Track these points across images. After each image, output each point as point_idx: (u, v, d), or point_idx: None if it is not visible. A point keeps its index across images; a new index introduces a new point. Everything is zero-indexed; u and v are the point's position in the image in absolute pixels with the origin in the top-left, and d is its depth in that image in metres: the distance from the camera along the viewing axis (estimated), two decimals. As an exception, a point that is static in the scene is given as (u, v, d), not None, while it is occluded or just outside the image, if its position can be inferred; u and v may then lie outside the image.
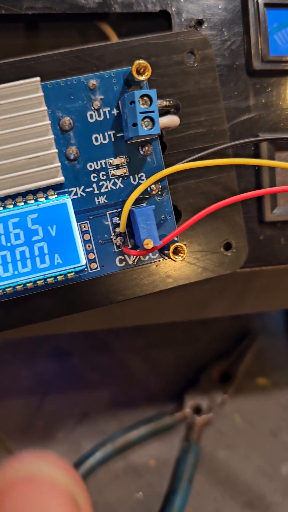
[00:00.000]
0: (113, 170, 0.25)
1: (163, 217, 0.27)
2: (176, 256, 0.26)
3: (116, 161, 0.25)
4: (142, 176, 0.26)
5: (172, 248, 0.26)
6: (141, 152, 0.26)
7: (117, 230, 0.26)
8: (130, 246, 0.26)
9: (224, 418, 0.51)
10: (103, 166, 0.25)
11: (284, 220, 0.32)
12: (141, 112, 0.23)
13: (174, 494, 0.46)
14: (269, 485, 0.48)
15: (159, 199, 0.26)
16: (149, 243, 0.24)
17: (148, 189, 0.26)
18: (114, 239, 0.26)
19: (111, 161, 0.25)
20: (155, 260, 0.27)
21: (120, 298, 0.28)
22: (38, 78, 0.24)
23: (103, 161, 0.25)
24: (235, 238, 0.29)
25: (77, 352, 0.53)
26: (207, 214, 0.26)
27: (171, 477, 0.48)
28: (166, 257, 0.27)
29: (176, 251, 0.26)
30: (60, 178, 0.24)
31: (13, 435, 0.48)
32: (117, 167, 0.26)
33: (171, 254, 0.26)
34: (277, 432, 0.51)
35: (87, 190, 0.25)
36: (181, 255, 0.26)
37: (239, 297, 0.37)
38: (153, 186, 0.26)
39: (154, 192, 0.26)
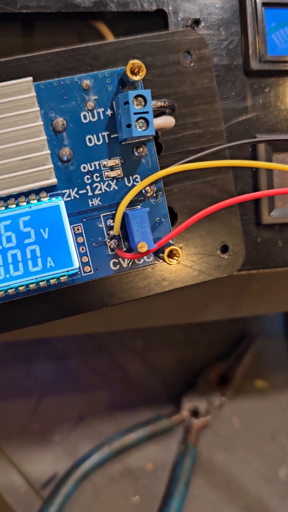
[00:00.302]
0: (107, 171, 0.25)
1: (158, 220, 0.26)
2: (171, 260, 0.25)
3: (110, 162, 0.25)
4: (136, 178, 0.25)
5: (167, 251, 0.25)
6: (136, 154, 0.25)
7: (111, 232, 0.25)
8: (124, 249, 0.26)
9: (222, 421, 0.51)
10: (97, 167, 0.25)
11: (281, 223, 0.32)
12: (135, 113, 0.23)
13: (171, 498, 0.46)
14: (267, 489, 0.48)
15: (154, 202, 0.26)
16: (143, 247, 0.24)
17: (143, 191, 0.26)
18: (108, 242, 0.25)
19: (105, 163, 0.25)
20: (150, 263, 0.27)
21: (115, 302, 0.27)
22: (30, 78, 0.23)
23: (97, 163, 0.25)
24: (232, 241, 0.29)
25: (75, 355, 0.53)
26: (203, 216, 0.26)
27: (168, 480, 0.47)
28: (161, 260, 0.27)
29: (171, 254, 0.25)
30: (53, 180, 0.24)
31: (9, 437, 0.48)
32: (111, 168, 0.25)
33: (166, 258, 0.25)
34: (275, 435, 0.50)
35: (80, 192, 0.25)
36: (176, 258, 0.25)
37: (236, 300, 0.37)
38: (148, 188, 0.26)
39: (149, 194, 0.26)
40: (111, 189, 0.25)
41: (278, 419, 0.51)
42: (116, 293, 0.27)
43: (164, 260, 0.25)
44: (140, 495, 0.47)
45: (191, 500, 0.46)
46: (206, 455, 0.49)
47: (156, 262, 0.27)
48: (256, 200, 0.32)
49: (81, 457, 0.47)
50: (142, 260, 0.27)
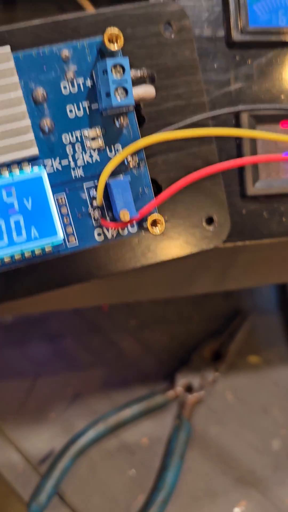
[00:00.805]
0: (89, 142, 0.25)
1: (141, 190, 0.27)
2: (154, 228, 0.26)
3: (92, 133, 0.25)
4: (118, 148, 0.26)
5: (150, 220, 0.26)
6: (117, 125, 0.26)
7: (95, 203, 0.26)
8: (108, 219, 0.26)
9: (215, 396, 0.51)
10: (79, 138, 0.25)
11: (266, 194, 0.32)
12: (113, 81, 0.23)
13: (166, 471, 0.47)
14: (260, 460, 0.49)
15: (136, 172, 0.26)
16: (125, 214, 0.24)
17: (125, 162, 0.26)
18: (92, 213, 0.26)
19: (86, 134, 0.25)
20: (135, 234, 0.27)
21: (102, 274, 0.28)
22: (7, 46, 0.23)
23: (78, 134, 0.25)
24: (217, 213, 0.29)
25: (69, 334, 0.53)
26: (185, 185, 0.26)
27: (163, 454, 0.48)
28: (145, 231, 0.27)
29: (155, 223, 0.26)
30: (35, 151, 0.24)
31: (6, 416, 0.49)
32: (93, 139, 0.25)
33: (149, 226, 0.26)
34: (267, 408, 0.51)
35: (63, 162, 0.25)
36: (159, 226, 0.26)
37: (224, 273, 0.37)
38: (129, 158, 0.26)
39: (131, 165, 0.26)
40: (93, 160, 0.26)
41: (270, 393, 0.52)
42: (103, 265, 0.28)
43: (148, 230, 0.26)
44: (136, 468, 0.48)
45: (186, 472, 0.47)
46: (200, 429, 0.50)
47: (141, 233, 0.27)
48: (241, 172, 0.32)
49: (77, 433, 0.48)
50: (126, 231, 0.27)
